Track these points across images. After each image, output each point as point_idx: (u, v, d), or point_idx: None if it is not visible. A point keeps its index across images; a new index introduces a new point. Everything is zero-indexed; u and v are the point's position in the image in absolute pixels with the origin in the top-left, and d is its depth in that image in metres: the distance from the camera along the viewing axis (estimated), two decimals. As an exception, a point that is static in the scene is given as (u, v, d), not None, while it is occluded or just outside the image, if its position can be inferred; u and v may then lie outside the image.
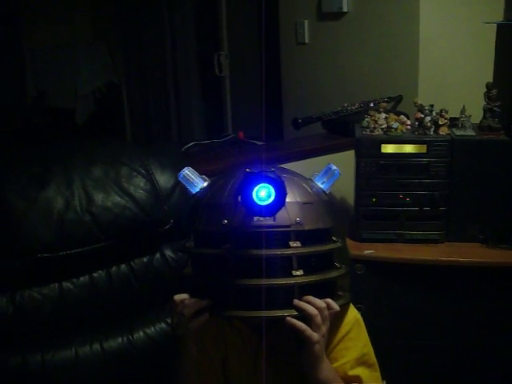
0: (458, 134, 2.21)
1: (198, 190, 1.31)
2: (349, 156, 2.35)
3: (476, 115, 2.24)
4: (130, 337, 1.60)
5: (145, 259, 1.65)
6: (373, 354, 1.38)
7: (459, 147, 2.16)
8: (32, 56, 5.44)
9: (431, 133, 2.20)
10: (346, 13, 2.98)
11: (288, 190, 1.17)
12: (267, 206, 1.12)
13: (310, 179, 1.33)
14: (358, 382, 1.33)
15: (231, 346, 1.36)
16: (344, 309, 1.33)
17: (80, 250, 1.52)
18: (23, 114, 5.47)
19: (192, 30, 5.01)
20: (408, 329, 2.21)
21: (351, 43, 2.99)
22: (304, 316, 1.18)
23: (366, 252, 2.17)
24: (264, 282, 1.15)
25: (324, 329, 1.21)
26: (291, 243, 1.19)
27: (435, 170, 2.17)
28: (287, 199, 1.17)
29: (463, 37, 2.68)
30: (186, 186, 1.32)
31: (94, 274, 1.59)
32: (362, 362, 1.35)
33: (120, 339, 1.59)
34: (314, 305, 1.19)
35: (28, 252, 1.47)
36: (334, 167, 1.35)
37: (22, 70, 5.41)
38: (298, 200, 1.22)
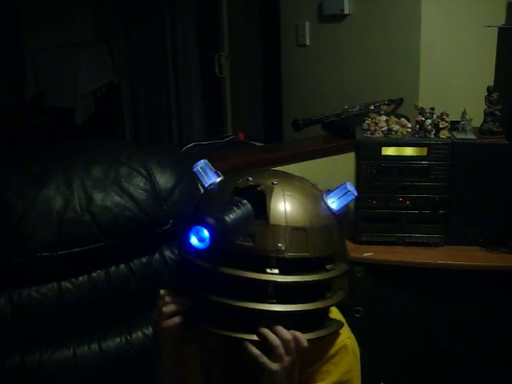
0: (459, 137, 2.21)
1: (209, 183, 1.26)
2: (349, 158, 2.35)
3: (477, 119, 2.25)
4: (129, 337, 1.59)
5: (144, 259, 1.64)
6: (356, 381, 1.33)
7: (460, 150, 2.16)
8: (32, 55, 5.44)
9: (432, 136, 2.20)
10: (347, 15, 2.98)
11: (280, 211, 1.13)
12: (203, 249, 1.08)
13: (321, 196, 1.23)
14: None
15: (212, 346, 1.35)
16: (334, 334, 1.28)
17: (79, 249, 1.52)
18: (23, 113, 5.47)
19: (193, 31, 5.01)
20: (407, 331, 2.21)
21: (352, 45, 2.99)
22: (267, 345, 1.15)
23: (366, 254, 2.17)
24: (235, 303, 1.11)
25: (286, 360, 1.15)
26: (268, 270, 1.12)
27: (435, 173, 2.17)
28: (274, 222, 1.12)
29: (464, 40, 2.68)
30: (200, 178, 1.28)
31: (93, 274, 1.58)
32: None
33: (118, 339, 1.58)
34: (279, 335, 1.14)
35: (27, 251, 1.47)
36: (351, 187, 1.23)
37: (22, 69, 5.41)
38: (288, 224, 1.13)
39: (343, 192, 1.23)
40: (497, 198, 2.18)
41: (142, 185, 1.62)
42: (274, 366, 1.15)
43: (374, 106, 2.65)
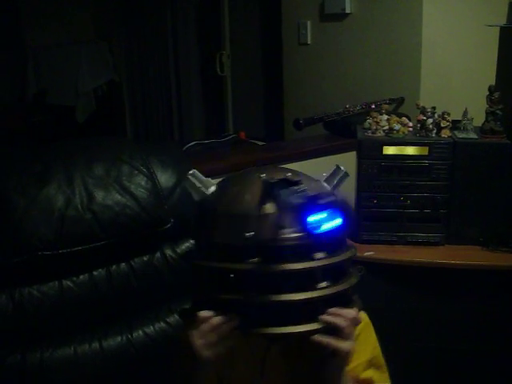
0: (460, 136, 2.21)
1: (206, 194, 1.22)
2: (350, 157, 2.35)
3: (478, 118, 2.25)
4: (129, 336, 1.59)
5: (145, 258, 1.64)
6: (381, 355, 1.37)
7: (461, 150, 2.16)
8: (33, 53, 5.44)
9: (433, 135, 2.20)
10: (348, 14, 2.98)
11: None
12: (327, 231, 1.07)
13: (318, 181, 1.25)
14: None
15: (237, 352, 1.31)
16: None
17: (80, 248, 1.51)
18: (24, 111, 5.47)
19: (194, 30, 5.01)
20: (407, 330, 2.21)
21: (354, 44, 2.99)
22: (332, 328, 1.14)
23: (367, 253, 2.17)
24: (293, 296, 1.10)
25: (352, 338, 1.17)
26: (316, 255, 1.12)
27: (436, 173, 2.17)
28: None
29: (466, 39, 2.68)
30: (192, 190, 1.23)
31: (94, 273, 1.58)
32: (372, 364, 1.34)
33: (119, 338, 1.58)
34: (343, 316, 1.14)
35: (28, 250, 1.47)
36: (342, 168, 1.26)
37: (23, 67, 5.41)
38: None
39: (337, 173, 1.26)
40: (498, 197, 2.18)
41: (143, 183, 1.62)
42: (347, 344, 1.16)
43: (376, 105, 2.65)
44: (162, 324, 1.64)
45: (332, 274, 1.16)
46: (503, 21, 2.58)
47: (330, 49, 3.13)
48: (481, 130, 2.23)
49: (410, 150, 2.19)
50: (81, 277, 1.57)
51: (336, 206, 1.06)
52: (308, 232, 1.07)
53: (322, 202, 1.05)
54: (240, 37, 4.35)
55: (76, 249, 1.51)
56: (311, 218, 1.06)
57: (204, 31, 4.93)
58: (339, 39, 3.07)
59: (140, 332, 1.61)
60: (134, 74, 5.33)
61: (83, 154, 1.65)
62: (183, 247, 1.70)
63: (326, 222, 1.08)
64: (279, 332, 1.12)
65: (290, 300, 1.11)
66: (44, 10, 5.39)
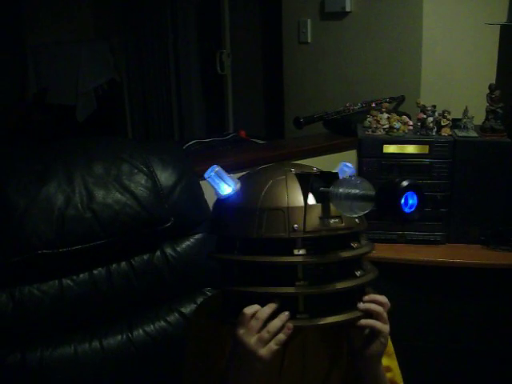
0: (461, 135, 2.21)
1: (231, 191, 1.20)
2: (351, 156, 2.35)
3: (478, 116, 2.24)
4: (130, 334, 1.59)
5: (145, 257, 1.64)
6: (391, 344, 1.38)
7: (461, 148, 2.16)
8: (34, 52, 5.44)
9: (433, 133, 2.20)
10: (348, 12, 2.98)
11: None
12: (413, 212, 1.06)
13: None
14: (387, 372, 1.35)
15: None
16: None
17: (80, 246, 1.51)
18: (24, 110, 5.47)
19: (194, 28, 5.01)
20: (408, 329, 2.21)
21: (354, 43, 2.99)
22: (370, 314, 1.19)
23: (367, 252, 2.17)
24: (338, 285, 1.13)
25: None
26: (353, 244, 1.16)
27: (437, 171, 2.17)
28: None
29: (466, 38, 2.68)
30: (215, 186, 1.21)
31: (94, 271, 1.58)
32: (385, 352, 1.33)
33: (119, 337, 1.58)
34: (378, 302, 1.19)
35: (28, 249, 1.47)
36: (349, 166, 1.29)
37: (23, 66, 5.41)
38: None
39: (348, 172, 1.27)
40: (498, 195, 2.18)
41: (143, 182, 1.62)
42: (388, 327, 1.21)
43: (376, 104, 2.65)
44: (162, 323, 1.64)
45: (362, 263, 1.21)
46: (503, 19, 2.58)
47: (331, 47, 3.13)
48: (481, 129, 2.23)
49: (411, 149, 2.19)
50: (81, 275, 1.57)
51: (416, 189, 1.07)
52: (402, 215, 1.05)
53: (403, 184, 1.05)
54: (240, 35, 4.35)
55: (76, 248, 1.51)
56: (401, 201, 1.05)
57: (204, 30, 4.93)
58: (339, 38, 3.07)
59: (140, 331, 1.61)
60: (135, 73, 5.33)
61: (83, 153, 1.65)
62: (183, 246, 1.70)
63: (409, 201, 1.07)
64: (327, 322, 1.14)
65: (337, 289, 1.13)
66: (44, 9, 5.39)
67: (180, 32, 5.03)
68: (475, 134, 2.21)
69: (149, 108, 5.24)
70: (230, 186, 1.21)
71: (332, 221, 1.13)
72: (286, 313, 1.13)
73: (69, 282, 1.55)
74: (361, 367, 1.28)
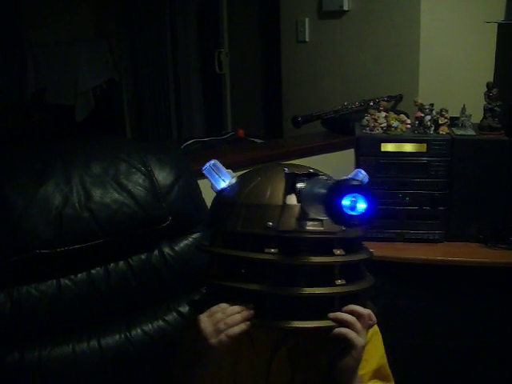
0: (458, 133, 2.21)
1: (225, 185, 1.23)
2: (349, 155, 2.35)
3: (476, 115, 2.25)
4: (128, 334, 1.59)
5: (143, 256, 1.64)
6: (387, 365, 1.35)
7: (459, 146, 2.16)
8: (33, 52, 5.43)
9: (431, 132, 2.20)
10: (346, 11, 2.98)
11: None
12: (358, 215, 1.02)
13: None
14: None
15: (242, 354, 1.30)
16: None
17: (78, 246, 1.51)
18: (23, 110, 5.46)
19: (193, 27, 5.01)
20: (406, 328, 2.21)
21: (352, 42, 2.99)
22: (345, 326, 1.14)
23: (365, 251, 2.17)
24: (309, 290, 1.10)
25: (365, 335, 1.17)
26: (335, 251, 1.13)
27: (435, 170, 2.17)
28: None
29: (464, 36, 2.68)
30: (211, 179, 1.23)
31: (92, 271, 1.58)
32: (379, 373, 1.32)
33: (117, 336, 1.58)
34: (356, 313, 1.15)
35: (26, 248, 1.47)
36: (364, 173, 1.26)
37: (22, 65, 5.40)
38: None
39: (358, 178, 1.24)
40: (497, 194, 2.18)
41: (141, 181, 1.62)
42: (361, 340, 1.15)
43: (374, 103, 2.65)
44: (161, 322, 1.64)
45: (349, 272, 1.16)
46: (501, 17, 2.58)
47: (329, 46, 3.13)
48: (479, 127, 2.23)
49: (409, 147, 2.19)
50: (79, 275, 1.57)
51: (365, 191, 1.03)
52: (340, 215, 1.01)
53: (353, 183, 1.02)
54: (238, 34, 4.35)
55: (74, 247, 1.51)
56: (344, 201, 1.00)
57: (203, 29, 4.93)
58: (337, 36, 3.07)
59: (138, 330, 1.61)
60: (134, 72, 5.32)
61: (81, 153, 1.65)
62: (181, 245, 1.69)
63: (357, 203, 1.03)
64: (292, 326, 1.12)
65: (308, 294, 1.11)
66: (44, 9, 5.38)
67: (179, 31, 5.03)
68: (473, 133, 2.21)
69: (147, 108, 5.23)
70: (224, 180, 1.23)
71: (310, 223, 1.10)
72: (251, 311, 1.13)
73: (67, 281, 1.55)
74: (335, 381, 1.23)
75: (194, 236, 1.72)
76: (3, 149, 1.76)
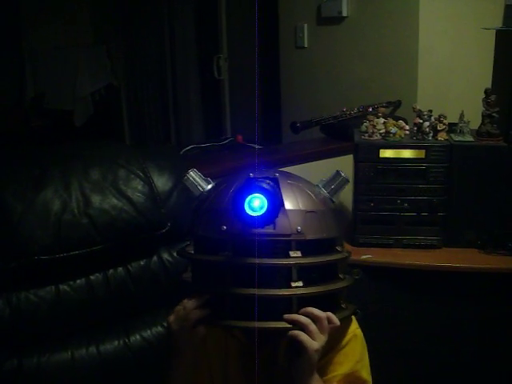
0: (457, 139, 2.21)
1: (201, 192, 1.28)
2: (347, 161, 2.35)
3: (475, 121, 2.25)
4: (127, 340, 1.59)
5: (142, 262, 1.65)
6: (366, 370, 1.34)
7: (457, 153, 2.16)
8: (31, 57, 5.44)
9: (430, 138, 2.20)
10: (345, 17, 2.99)
11: (291, 196, 1.15)
12: (259, 216, 1.07)
13: (316, 185, 1.29)
14: None
15: (231, 355, 1.34)
16: (346, 322, 1.30)
17: (77, 252, 1.52)
18: (22, 115, 5.47)
19: (191, 33, 5.01)
20: (404, 333, 2.21)
21: (350, 48, 3.00)
22: (301, 328, 1.15)
23: (363, 257, 2.17)
24: (261, 292, 1.11)
25: (323, 339, 1.16)
26: (291, 253, 1.14)
27: (433, 176, 2.17)
28: (289, 207, 1.15)
29: (462, 42, 2.69)
30: (190, 188, 1.29)
31: (91, 277, 1.58)
32: (352, 378, 1.32)
33: (116, 342, 1.58)
34: (312, 315, 1.15)
35: (25, 254, 1.47)
36: (343, 174, 1.29)
37: (21, 71, 5.41)
38: (301, 208, 1.17)
39: (337, 178, 1.29)
40: (495, 200, 2.18)
41: (139, 187, 1.62)
42: (315, 344, 1.15)
43: (372, 109, 2.65)
44: (159, 328, 1.64)
45: (313, 274, 1.18)
46: (499, 24, 2.58)
47: (327, 52, 3.13)
48: (477, 133, 2.23)
49: (407, 153, 2.19)
50: (78, 281, 1.57)
51: (264, 191, 1.07)
52: (240, 216, 1.08)
53: (257, 183, 1.08)
54: (237, 40, 4.36)
55: (73, 253, 1.51)
56: (244, 203, 1.07)
57: (201, 35, 4.93)
58: (336, 42, 3.08)
59: (137, 336, 1.61)
60: (132, 78, 5.33)
61: (80, 159, 1.65)
62: (180, 251, 1.70)
63: (255, 202, 1.08)
64: (246, 326, 1.14)
65: (261, 295, 1.12)
66: (42, 14, 5.39)
67: (177, 37, 5.04)
68: (471, 139, 2.22)
69: (146, 113, 5.24)
70: (201, 188, 1.28)
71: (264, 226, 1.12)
72: (205, 308, 1.17)
73: (65, 287, 1.55)
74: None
75: (183, 246, 1.72)
76: (2, 154, 1.76)
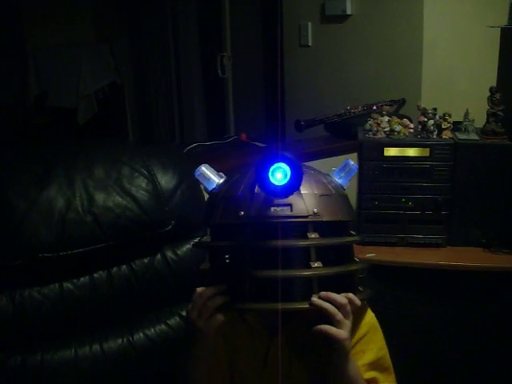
0: (461, 137, 2.20)
1: (214, 186, 1.29)
2: (351, 159, 2.33)
3: (479, 119, 2.24)
4: (130, 338, 1.59)
5: (146, 260, 1.64)
6: (388, 357, 1.37)
7: (462, 151, 2.16)
8: (34, 55, 5.44)
9: (434, 136, 2.20)
10: (349, 15, 2.98)
11: (305, 181, 1.16)
12: (282, 186, 1.10)
13: (327, 174, 1.31)
14: (374, 383, 1.34)
15: (240, 343, 1.35)
16: (362, 309, 1.32)
17: (81, 250, 1.51)
18: (25, 113, 5.47)
19: (195, 31, 5.01)
20: (409, 332, 2.20)
21: (354, 46, 2.99)
22: (324, 314, 1.16)
23: (368, 255, 2.16)
24: (281, 273, 1.12)
25: (349, 324, 1.19)
26: (309, 234, 1.16)
27: (438, 174, 2.17)
28: (304, 191, 1.17)
29: (467, 40, 2.68)
30: (203, 182, 1.30)
31: (95, 275, 1.58)
32: (377, 365, 1.34)
33: (120, 340, 1.58)
34: (334, 301, 1.16)
35: (29, 252, 1.47)
36: (352, 162, 1.33)
37: (24, 69, 5.41)
38: (315, 192, 1.19)
39: (346, 167, 1.32)
40: (499, 198, 2.18)
41: (143, 185, 1.62)
42: (343, 333, 1.17)
43: (377, 107, 2.65)
44: (163, 326, 1.64)
45: (330, 256, 1.19)
46: (504, 22, 2.57)
47: (331, 50, 3.13)
48: (482, 132, 2.22)
49: (411, 152, 2.18)
50: (81, 279, 1.57)
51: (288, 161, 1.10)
52: (265, 186, 1.10)
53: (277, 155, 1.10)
54: (241, 38, 4.35)
55: (77, 251, 1.51)
56: (268, 173, 1.10)
57: (205, 33, 4.93)
58: (340, 41, 3.07)
59: (141, 334, 1.61)
60: (136, 76, 5.33)
61: (84, 156, 1.65)
62: (184, 249, 1.69)
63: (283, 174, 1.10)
64: (269, 308, 1.15)
65: (277, 276, 1.13)
66: (45, 12, 5.39)
67: (181, 35, 5.04)
68: (476, 137, 2.21)
69: (150, 111, 5.24)
70: (214, 182, 1.29)
71: (280, 209, 1.15)
72: (226, 294, 1.18)
73: (69, 285, 1.55)
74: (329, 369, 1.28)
75: (197, 240, 1.72)
76: (5, 152, 1.76)
